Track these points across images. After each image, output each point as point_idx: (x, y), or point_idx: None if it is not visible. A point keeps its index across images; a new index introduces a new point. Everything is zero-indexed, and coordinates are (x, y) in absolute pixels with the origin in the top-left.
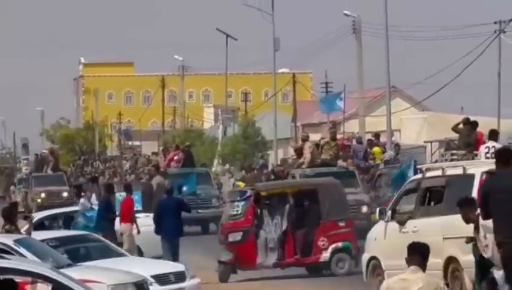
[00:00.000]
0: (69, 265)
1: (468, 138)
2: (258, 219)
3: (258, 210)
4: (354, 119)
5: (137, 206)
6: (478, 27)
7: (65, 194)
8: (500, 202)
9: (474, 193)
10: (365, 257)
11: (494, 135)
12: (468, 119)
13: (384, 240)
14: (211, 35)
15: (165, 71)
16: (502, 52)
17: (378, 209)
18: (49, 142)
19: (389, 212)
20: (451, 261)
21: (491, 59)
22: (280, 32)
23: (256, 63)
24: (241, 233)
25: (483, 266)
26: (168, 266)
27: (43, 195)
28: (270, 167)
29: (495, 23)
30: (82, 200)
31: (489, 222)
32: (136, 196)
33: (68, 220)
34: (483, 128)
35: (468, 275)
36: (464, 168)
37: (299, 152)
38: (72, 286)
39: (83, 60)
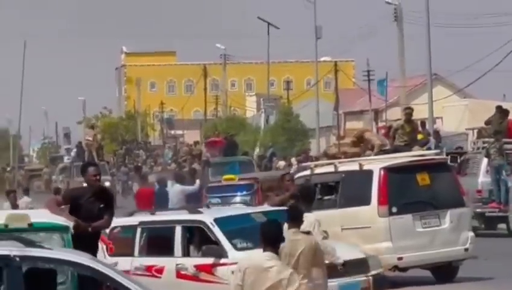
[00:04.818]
0: None
1: (499, 126)
2: None
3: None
4: (396, 107)
5: None
6: None
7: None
8: None
9: (374, 188)
10: None
11: None
12: (500, 107)
13: None
14: (252, 24)
15: (207, 60)
16: None
17: None
18: (88, 128)
19: None
20: None
21: None
22: (321, 20)
23: (298, 52)
24: None
25: None
26: None
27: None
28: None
29: None
30: None
31: None
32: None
33: None
34: None
35: None
36: (361, 165)
37: (359, 140)
38: (113, 276)
39: (125, 49)
